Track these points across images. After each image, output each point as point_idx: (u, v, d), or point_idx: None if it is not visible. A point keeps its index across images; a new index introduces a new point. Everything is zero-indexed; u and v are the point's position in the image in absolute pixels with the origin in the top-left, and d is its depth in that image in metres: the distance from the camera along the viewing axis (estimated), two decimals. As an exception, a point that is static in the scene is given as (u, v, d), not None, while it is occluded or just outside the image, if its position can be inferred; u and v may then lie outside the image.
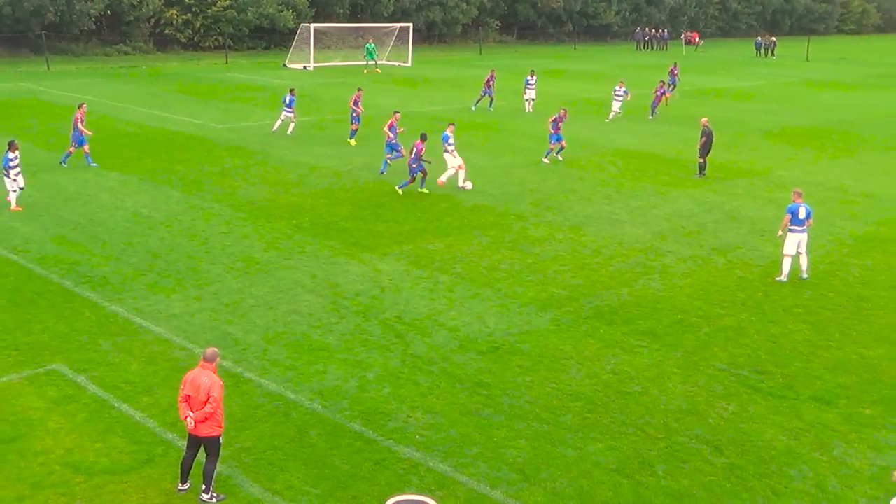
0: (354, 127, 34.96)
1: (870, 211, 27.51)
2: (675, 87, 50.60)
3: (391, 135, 29.53)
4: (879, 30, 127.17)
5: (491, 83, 44.52)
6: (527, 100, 44.53)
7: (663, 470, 12.77)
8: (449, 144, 27.80)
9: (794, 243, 20.57)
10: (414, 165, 26.86)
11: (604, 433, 13.70)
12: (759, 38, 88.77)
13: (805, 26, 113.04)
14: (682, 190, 29.28)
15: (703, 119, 31.93)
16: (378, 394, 14.66)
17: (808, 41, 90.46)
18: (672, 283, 20.42)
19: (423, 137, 26.91)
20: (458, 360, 15.98)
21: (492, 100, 44.79)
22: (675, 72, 52.06)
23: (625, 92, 42.46)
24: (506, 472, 12.56)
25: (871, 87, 61.81)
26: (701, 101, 50.51)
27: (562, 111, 32.78)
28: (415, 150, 26.69)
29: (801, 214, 20.46)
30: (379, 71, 60.06)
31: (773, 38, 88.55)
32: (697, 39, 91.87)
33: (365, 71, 59.88)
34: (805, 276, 20.98)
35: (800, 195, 20.71)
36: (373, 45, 61.97)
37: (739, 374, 15.94)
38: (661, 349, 16.86)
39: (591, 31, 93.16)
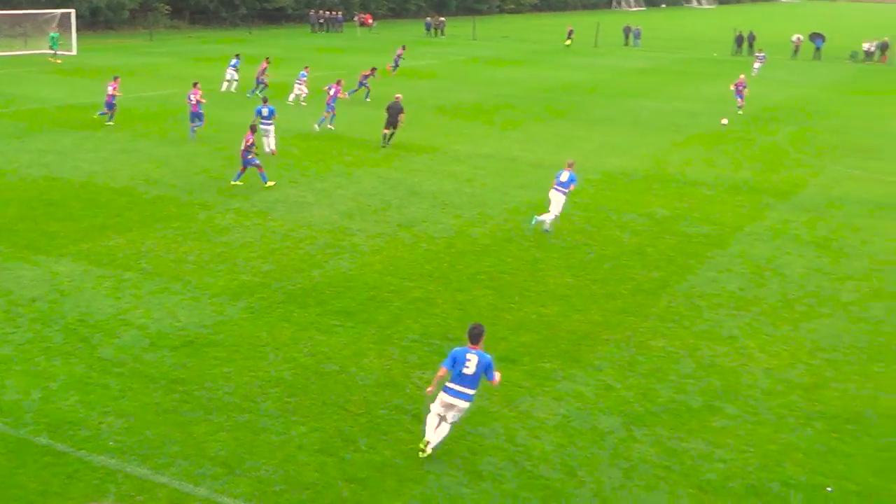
0: None
1: (538, 178, 29.38)
2: (396, 66, 55.52)
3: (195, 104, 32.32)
4: (536, 9, 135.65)
5: (261, 74, 44.64)
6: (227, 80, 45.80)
7: (366, 444, 13.03)
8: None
9: (556, 203, 23.23)
10: (249, 157, 26.42)
11: (306, 415, 13.75)
12: (429, 18, 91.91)
13: (470, 6, 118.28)
14: (366, 169, 29.84)
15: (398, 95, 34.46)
16: (64, 403, 13.82)
17: (474, 21, 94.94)
18: (362, 261, 20.79)
19: (253, 129, 26.71)
20: (150, 359, 15.41)
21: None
22: (401, 53, 56.41)
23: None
24: (209, 466, 12.30)
25: (532, 63, 65.92)
26: (378, 81, 51.57)
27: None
28: (244, 141, 26.33)
29: (563, 178, 23.15)
30: (59, 62, 55.97)
31: (442, 19, 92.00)
32: (370, 21, 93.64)
33: (54, 60, 55.84)
34: (547, 228, 23.45)
35: (571, 165, 23.57)
36: (57, 34, 58.22)
37: (432, 342, 16.55)
38: (355, 327, 17.14)
39: (266, 14, 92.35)
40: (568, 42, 78.20)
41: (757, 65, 61.66)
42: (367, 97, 44.10)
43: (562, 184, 23.21)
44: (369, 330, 17.02)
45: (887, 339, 17.51)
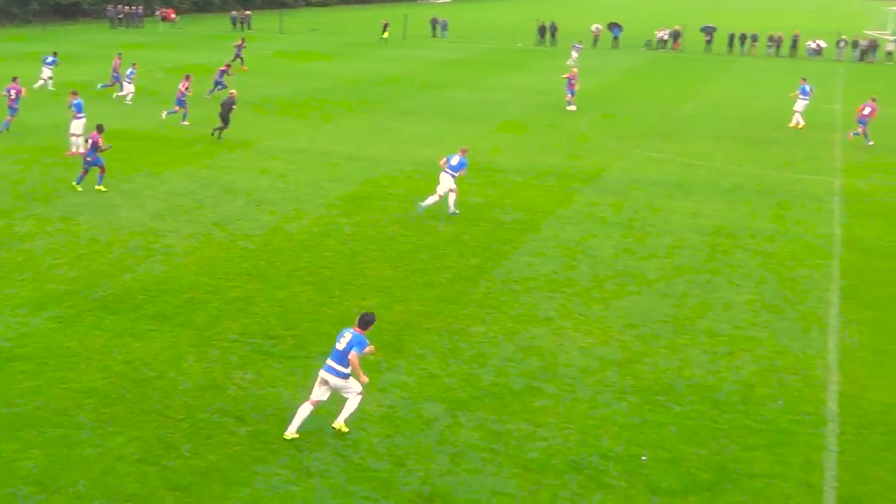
0: None
1: (353, 172, 29.40)
2: (239, 58, 54.46)
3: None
4: (343, 2, 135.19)
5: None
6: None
7: (189, 449, 12.71)
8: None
9: (444, 185, 24.17)
10: (89, 159, 25.21)
11: (124, 425, 13.28)
12: (234, 12, 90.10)
13: (276, 0, 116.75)
14: (176, 168, 29.01)
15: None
16: None
17: (281, 14, 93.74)
18: (176, 263, 20.23)
19: (100, 129, 25.44)
20: (-50, 377, 14.50)
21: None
22: (242, 45, 55.91)
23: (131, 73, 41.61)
24: (20, 487, 11.69)
25: (342, 56, 65.72)
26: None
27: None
28: (90, 141, 25.13)
29: (454, 161, 24.28)
30: None
31: (248, 13, 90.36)
32: (173, 16, 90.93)
33: None
34: (452, 210, 24.49)
35: (463, 151, 24.97)
36: None
37: (252, 342, 16.29)
38: (172, 330, 16.67)
39: (60, 9, 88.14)
40: (385, 35, 78.34)
41: (574, 54, 63.08)
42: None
43: (452, 167, 24.33)
44: (187, 333, 16.59)
45: (690, 312, 18.49)
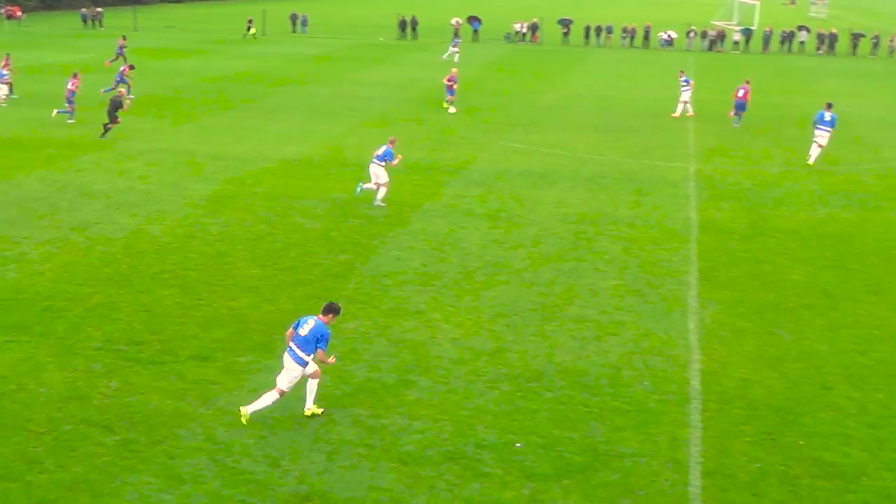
0: None
1: (216, 171, 28.86)
2: (122, 57, 51.90)
3: None
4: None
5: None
6: None
7: (53, 463, 12.26)
8: None
9: (373, 174, 25.00)
10: None
11: (-18, 442, 12.71)
12: (85, 9, 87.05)
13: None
14: (29, 171, 27.88)
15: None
16: None
17: (135, 11, 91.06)
18: (32, 270, 19.46)
19: None
20: None
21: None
22: (122, 44, 53.36)
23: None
24: None
25: (200, 53, 64.32)
26: (36, 77, 48.24)
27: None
28: None
29: (380, 152, 25.10)
30: None
31: (100, 10, 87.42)
32: (19, 13, 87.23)
33: None
34: (378, 202, 25.10)
35: (392, 142, 25.71)
36: None
37: (117, 349, 15.83)
38: (31, 340, 16.04)
39: None
40: (252, 31, 76.78)
41: (453, 49, 62.83)
42: (128, 92, 41.32)
43: (378, 157, 25.07)
44: (46, 342, 15.99)
45: (558, 299, 18.87)
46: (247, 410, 13.43)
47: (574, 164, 31.60)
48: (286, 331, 13.73)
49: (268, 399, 13.42)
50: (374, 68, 58.68)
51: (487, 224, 24.12)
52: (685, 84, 41.78)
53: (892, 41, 75.08)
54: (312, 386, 13.61)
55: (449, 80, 42.13)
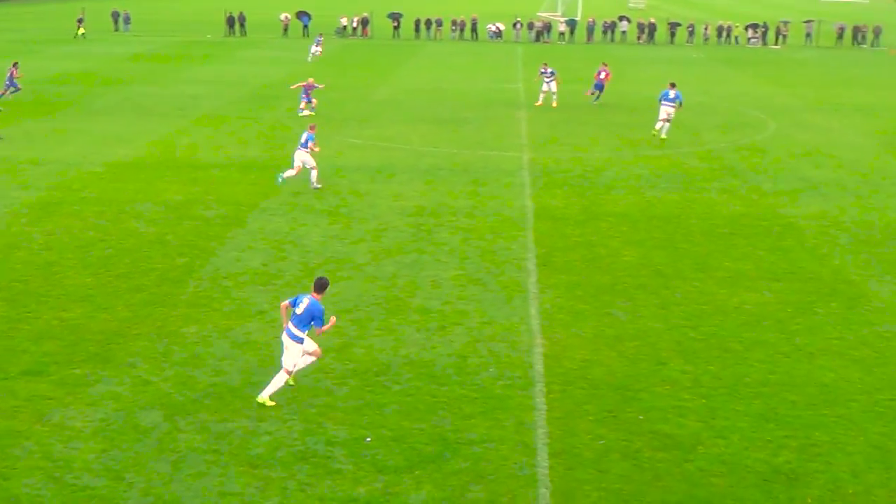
0: None
1: (39, 177, 27.60)
2: None
3: None
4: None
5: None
6: None
7: None
8: None
9: (297, 159, 26.57)
10: None
11: None
12: None
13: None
14: None
15: None
16: None
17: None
18: None
19: None
20: None
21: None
22: None
23: None
24: None
25: (13, 55, 61.22)
26: None
27: None
28: None
29: (303, 139, 26.43)
30: None
31: None
32: None
33: None
34: (315, 185, 26.64)
35: (312, 128, 27.06)
36: None
37: (-60, 369, 14.94)
38: None
39: None
40: (81, 31, 73.31)
41: (316, 48, 61.25)
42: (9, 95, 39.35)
43: (303, 144, 26.56)
44: None
45: (401, 292, 18.96)
46: (263, 396, 13.97)
47: (410, 157, 31.80)
48: (281, 303, 14.45)
49: (279, 381, 14.01)
50: (203, 66, 57.34)
51: (327, 220, 23.99)
52: (549, 75, 42.60)
53: (706, 29, 78.76)
54: (308, 360, 14.34)
55: (306, 88, 39.80)
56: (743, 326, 17.45)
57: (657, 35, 77.67)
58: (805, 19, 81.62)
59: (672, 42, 76.91)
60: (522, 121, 39.50)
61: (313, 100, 39.55)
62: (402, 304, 18.33)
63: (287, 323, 14.02)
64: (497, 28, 78.33)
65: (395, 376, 15.18)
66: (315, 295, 13.99)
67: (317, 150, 26.76)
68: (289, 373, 14.06)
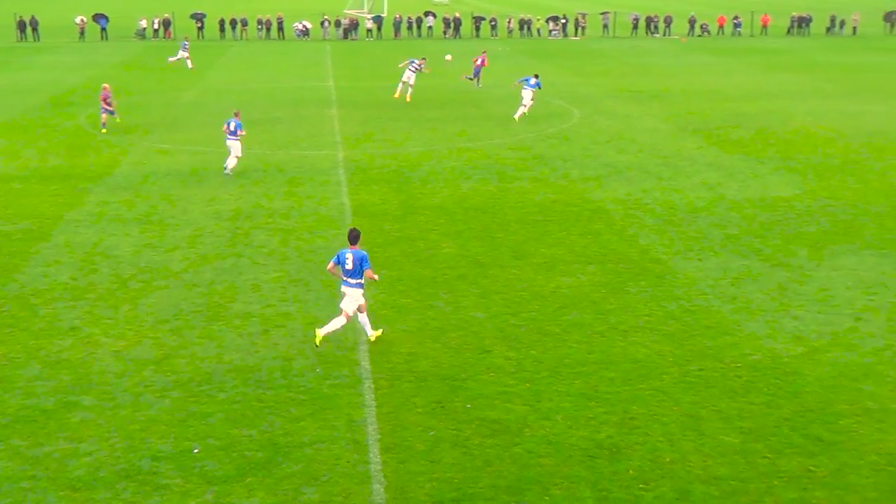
0: None
1: None
2: None
3: None
4: None
5: None
6: None
7: None
8: None
9: (231, 147, 28.46)
10: None
11: None
12: None
13: None
14: None
15: None
16: None
17: None
18: None
19: None
20: None
21: None
22: None
23: None
24: None
25: None
26: None
27: None
28: None
29: (231, 127, 28.05)
30: None
31: None
32: None
33: None
34: (228, 171, 28.49)
35: (237, 114, 28.87)
36: None
37: None
38: None
39: None
40: None
41: (183, 54, 57.87)
42: None
43: (232, 133, 28.10)
44: None
45: (221, 298, 18.57)
46: (321, 332, 15.82)
47: (223, 160, 31.11)
48: (327, 267, 16.41)
49: (337, 323, 15.87)
50: (-7, 73, 54.28)
51: (139, 229, 23.20)
52: (414, 67, 42.50)
53: (509, 23, 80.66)
54: (364, 318, 16.18)
55: (103, 98, 36.28)
56: (561, 310, 18.02)
57: (462, 29, 78.97)
58: (601, 11, 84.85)
59: (477, 36, 78.37)
60: (335, 119, 39.38)
61: (113, 104, 36.20)
62: (223, 310, 17.95)
63: (342, 279, 15.87)
64: (304, 26, 77.71)
65: (219, 384, 14.86)
66: (353, 247, 15.79)
67: (243, 133, 28.42)
68: (348, 317, 15.89)
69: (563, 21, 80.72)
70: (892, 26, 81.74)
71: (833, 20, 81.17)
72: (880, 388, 14.74)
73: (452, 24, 78.56)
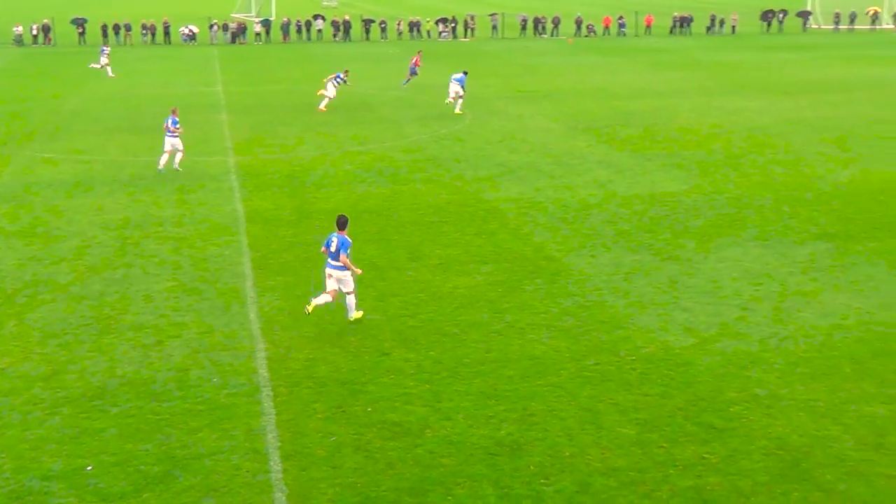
0: None
1: None
2: None
3: None
4: None
5: None
6: None
7: None
8: None
9: (170, 144, 29.32)
10: None
11: None
12: None
13: None
14: None
15: None
16: None
17: None
18: None
19: None
20: None
21: None
22: None
23: None
24: None
25: None
26: None
27: None
28: None
29: (169, 124, 28.71)
30: None
31: None
32: None
33: None
34: (176, 166, 29.45)
35: (174, 111, 28.85)
36: None
37: None
38: None
39: None
40: None
41: (104, 60, 55.19)
42: None
43: (169, 131, 28.99)
44: None
45: (112, 310, 18.10)
46: (351, 315, 17.27)
47: (110, 168, 30.39)
48: (321, 249, 17.38)
49: (353, 301, 17.21)
50: None
51: (22, 242, 22.45)
52: (337, 80, 41.83)
53: (399, 25, 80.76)
54: (352, 300, 17.23)
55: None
56: (458, 310, 18.12)
57: (352, 32, 78.74)
58: (490, 12, 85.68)
59: (367, 39, 78.29)
60: (225, 124, 38.80)
61: None
62: (114, 323, 17.50)
63: (327, 261, 17.03)
64: (191, 31, 76.40)
65: (112, 399, 14.47)
66: (340, 232, 16.87)
67: (181, 129, 29.21)
68: (352, 292, 17.10)
69: (453, 23, 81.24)
70: (769, 25, 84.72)
71: (713, 20, 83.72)
72: (768, 375, 15.25)
73: (342, 28, 78.32)
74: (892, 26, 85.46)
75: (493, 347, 16.41)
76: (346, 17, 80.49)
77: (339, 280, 16.99)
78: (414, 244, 22.28)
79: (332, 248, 16.86)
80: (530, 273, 20.19)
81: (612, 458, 12.76)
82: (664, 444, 13.10)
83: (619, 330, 17.09)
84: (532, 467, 12.58)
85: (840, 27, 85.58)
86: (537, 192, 26.98)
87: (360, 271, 17.38)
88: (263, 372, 15.44)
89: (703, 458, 12.77)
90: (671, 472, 12.44)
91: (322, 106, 41.65)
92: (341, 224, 17.04)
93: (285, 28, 77.79)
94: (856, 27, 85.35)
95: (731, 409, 14.09)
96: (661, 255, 21.27)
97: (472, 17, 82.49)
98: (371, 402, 14.38)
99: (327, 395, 14.61)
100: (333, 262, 16.89)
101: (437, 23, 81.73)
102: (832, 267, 20.42)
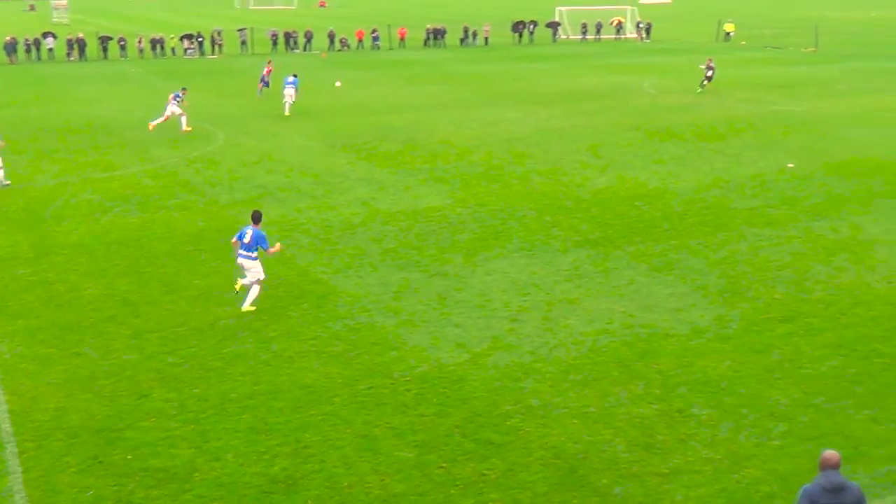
0: None
1: None
2: None
3: None
4: None
5: None
6: None
7: None
8: None
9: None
10: None
11: None
12: None
13: None
14: None
15: None
16: None
17: None
18: None
19: None
20: None
21: None
22: None
23: None
24: None
25: None
26: None
27: None
28: None
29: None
30: None
31: None
32: None
33: None
34: None
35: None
36: None
37: None
38: None
39: None
40: None
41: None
42: None
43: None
44: None
45: None
46: (246, 306, 18.20)
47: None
48: (232, 240, 18.50)
49: (255, 291, 18.26)
50: None
51: None
52: (176, 99, 38.74)
53: (140, 42, 77.35)
54: (255, 291, 18.21)
55: None
56: (222, 342, 17.21)
57: (88, 51, 74.67)
58: (238, 27, 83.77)
59: (105, 57, 74.52)
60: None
61: None
62: None
63: (238, 251, 18.13)
64: None
65: None
66: (255, 226, 17.96)
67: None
68: (260, 283, 18.11)
69: (199, 39, 78.86)
70: (521, 36, 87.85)
71: (466, 31, 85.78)
72: (541, 384, 15.38)
73: (76, 46, 74.13)
74: (635, 35, 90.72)
75: (261, 379, 15.66)
76: (81, 35, 76.20)
77: (248, 269, 18.14)
78: (169, 275, 21.05)
79: (246, 240, 18.01)
80: (296, 298, 19.53)
81: (392, 484, 12.42)
82: (443, 465, 12.88)
83: (391, 351, 16.77)
84: (310, 502, 12.01)
85: (587, 37, 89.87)
86: (299, 213, 26.31)
87: (279, 247, 18.98)
88: (6, 426, 14.01)
89: (483, 474, 12.65)
90: (452, 491, 12.24)
91: (184, 126, 39.50)
92: (256, 218, 18.24)
93: (11, 47, 72.52)
94: (602, 37, 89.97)
95: (508, 423, 14.08)
96: (429, 272, 21.17)
97: (220, 33, 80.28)
98: (131, 449, 13.32)
99: (81, 446, 13.41)
100: (249, 254, 18.07)
101: (181, 39, 79.06)
102: (595, 273, 21.04)
